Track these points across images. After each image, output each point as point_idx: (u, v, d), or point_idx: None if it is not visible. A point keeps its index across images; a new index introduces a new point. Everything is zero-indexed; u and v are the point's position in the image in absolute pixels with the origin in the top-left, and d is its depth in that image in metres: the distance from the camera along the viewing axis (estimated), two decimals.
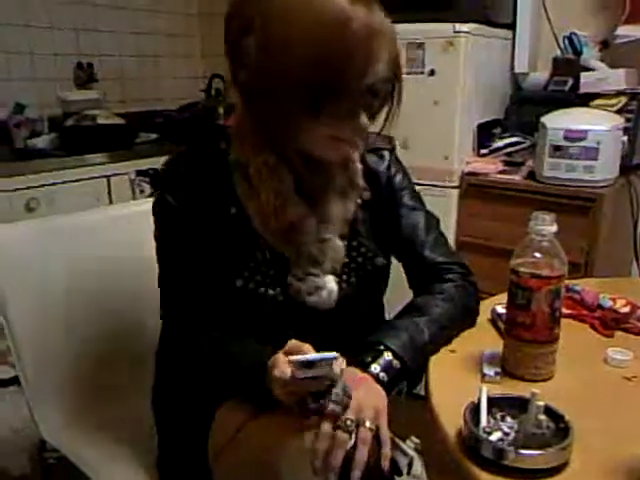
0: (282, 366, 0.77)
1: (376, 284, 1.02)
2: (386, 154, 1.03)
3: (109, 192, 2.26)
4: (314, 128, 0.83)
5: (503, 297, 0.89)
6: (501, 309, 0.97)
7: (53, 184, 2.08)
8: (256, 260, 0.91)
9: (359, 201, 0.98)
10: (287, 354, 0.78)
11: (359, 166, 0.98)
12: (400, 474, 0.94)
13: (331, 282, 0.93)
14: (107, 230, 1.20)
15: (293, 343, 0.80)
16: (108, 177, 2.24)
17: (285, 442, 0.81)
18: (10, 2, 2.39)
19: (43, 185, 2.05)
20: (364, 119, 0.83)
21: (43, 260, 1.14)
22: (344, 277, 0.96)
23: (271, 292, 0.91)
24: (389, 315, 1.05)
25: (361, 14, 0.77)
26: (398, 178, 1.03)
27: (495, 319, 1.01)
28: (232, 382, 0.89)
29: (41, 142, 2.30)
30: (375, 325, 0.96)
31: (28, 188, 2.01)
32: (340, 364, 0.75)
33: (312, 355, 0.75)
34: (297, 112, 0.81)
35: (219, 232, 0.91)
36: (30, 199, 2.01)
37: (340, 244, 0.94)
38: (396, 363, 0.86)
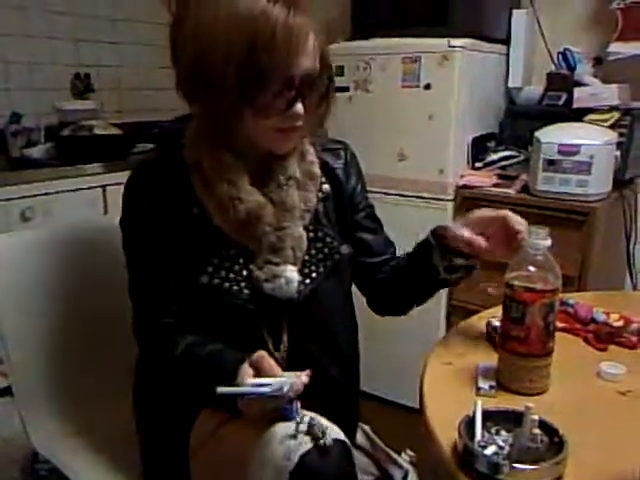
0: (244, 379, 0.79)
1: (344, 273, 1.03)
2: (342, 153, 1.07)
3: (105, 202, 2.25)
4: (256, 122, 0.87)
5: (498, 310, 0.90)
6: (496, 322, 0.98)
7: (49, 194, 2.07)
8: (220, 256, 0.93)
9: (320, 194, 1.00)
10: (252, 365, 0.80)
11: (315, 159, 1.00)
12: None
13: (291, 271, 0.93)
14: (103, 240, 1.19)
15: (258, 354, 0.81)
16: (104, 187, 2.24)
17: (255, 446, 0.81)
18: (11, 12, 2.40)
19: (39, 195, 2.04)
20: (300, 108, 0.87)
21: (38, 270, 1.13)
22: (312, 268, 0.97)
23: (235, 287, 0.92)
24: (357, 305, 1.08)
25: (281, 13, 0.81)
26: (357, 191, 1.06)
27: (490, 332, 1.02)
28: (204, 390, 0.89)
29: (37, 152, 2.29)
30: (346, 315, 1.01)
31: (24, 197, 2.00)
32: (294, 385, 0.76)
33: (253, 388, 0.77)
34: (234, 101, 0.84)
35: (184, 234, 0.92)
36: (26, 209, 2.00)
37: (301, 232, 0.95)
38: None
